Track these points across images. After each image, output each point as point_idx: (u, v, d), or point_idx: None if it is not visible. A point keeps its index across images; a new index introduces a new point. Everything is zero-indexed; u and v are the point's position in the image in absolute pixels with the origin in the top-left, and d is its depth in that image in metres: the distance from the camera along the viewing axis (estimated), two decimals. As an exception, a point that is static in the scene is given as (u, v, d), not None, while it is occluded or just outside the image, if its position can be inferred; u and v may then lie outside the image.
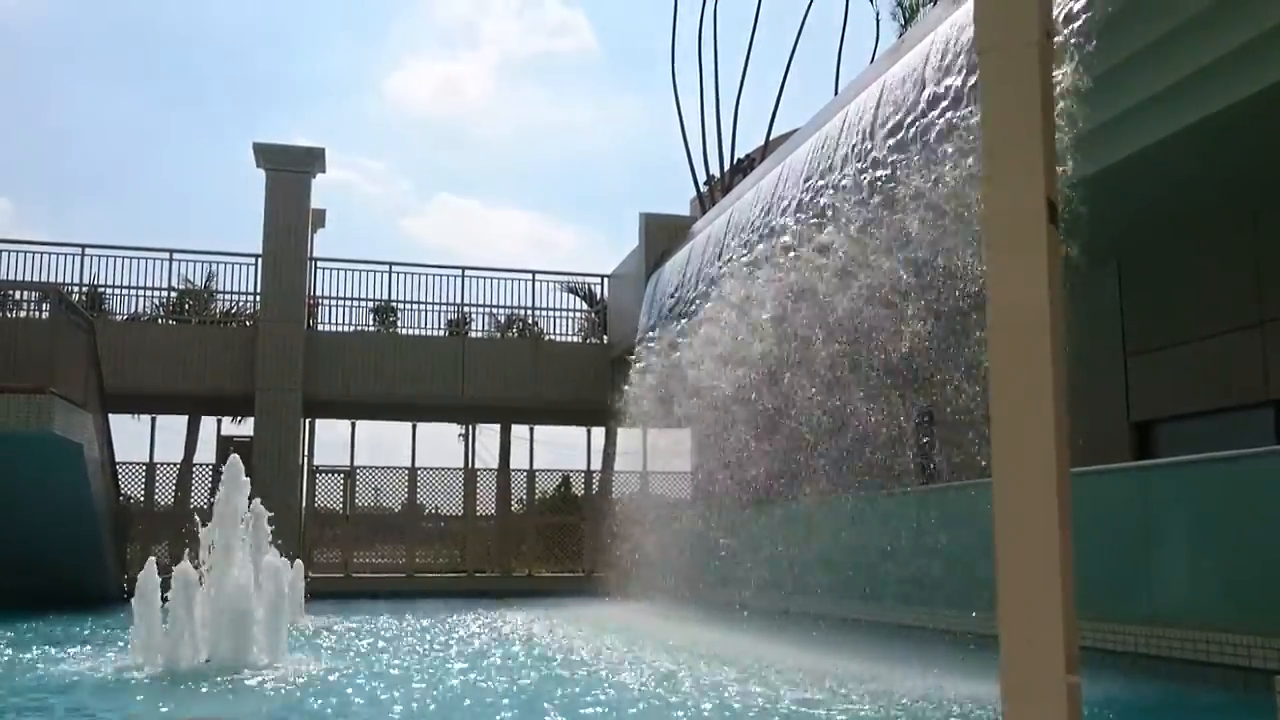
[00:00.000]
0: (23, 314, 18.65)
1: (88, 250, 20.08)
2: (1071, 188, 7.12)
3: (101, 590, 15.97)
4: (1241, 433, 9.37)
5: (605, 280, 22.91)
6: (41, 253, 19.83)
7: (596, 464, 22.19)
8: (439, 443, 37.14)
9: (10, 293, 19.54)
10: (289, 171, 20.26)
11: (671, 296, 17.63)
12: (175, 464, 20.50)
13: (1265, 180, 8.80)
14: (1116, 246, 10.67)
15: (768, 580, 13.11)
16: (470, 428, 23.59)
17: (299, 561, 12.49)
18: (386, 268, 21.52)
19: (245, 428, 21.04)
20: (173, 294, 20.92)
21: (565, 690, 7.63)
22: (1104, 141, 8.08)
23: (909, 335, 10.22)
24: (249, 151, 20.12)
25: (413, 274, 21.68)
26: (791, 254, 12.50)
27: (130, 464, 19.60)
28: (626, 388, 17.78)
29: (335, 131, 64.73)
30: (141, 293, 20.52)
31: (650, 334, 18.20)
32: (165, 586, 8.76)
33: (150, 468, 20.08)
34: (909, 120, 10.28)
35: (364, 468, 21.39)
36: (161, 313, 20.84)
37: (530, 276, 22.48)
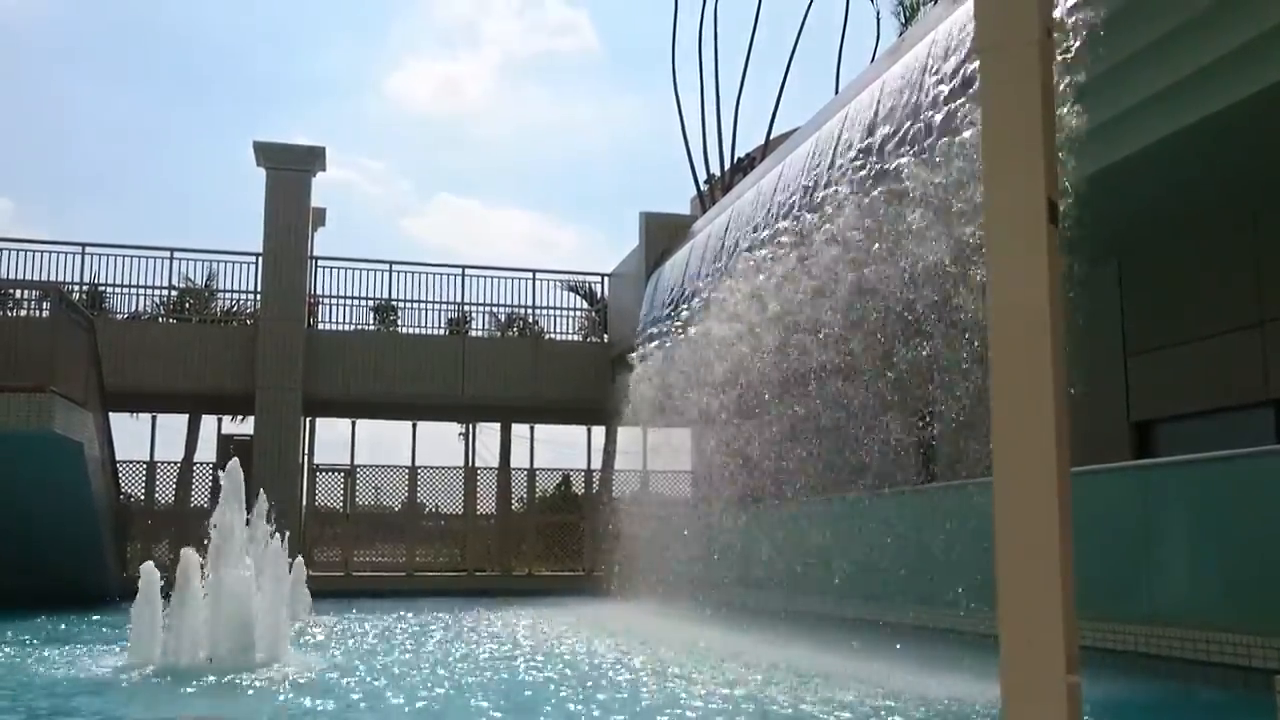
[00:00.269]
0: (23, 313, 18.67)
1: (88, 249, 20.07)
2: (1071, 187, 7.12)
3: (102, 589, 15.96)
4: (1241, 432, 9.37)
5: (605, 279, 22.89)
6: (42, 252, 19.81)
7: (597, 463, 22.20)
8: (439, 442, 37.21)
9: (11, 292, 19.55)
10: (289, 170, 20.24)
11: (671, 295, 17.61)
12: (175, 463, 20.50)
13: (1265, 180, 8.80)
14: (1116, 246, 10.67)
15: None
16: (470, 427, 23.59)
17: (300, 560, 12.49)
18: (387, 267, 21.52)
19: (246, 426, 21.06)
20: (173, 293, 20.91)
21: (565, 690, 7.64)
22: (1104, 141, 8.08)
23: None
24: (249, 150, 20.13)
25: (413, 273, 21.68)
26: (791, 252, 12.49)
27: (131, 463, 19.61)
28: (629, 381, 17.72)
29: (335, 131, 64.83)
30: (142, 291, 20.53)
31: (651, 332, 18.18)
32: (166, 585, 8.75)
33: (150, 466, 20.07)
34: (908, 120, 10.27)
35: (364, 466, 21.38)
36: (162, 311, 20.83)
37: (530, 275, 22.47)
